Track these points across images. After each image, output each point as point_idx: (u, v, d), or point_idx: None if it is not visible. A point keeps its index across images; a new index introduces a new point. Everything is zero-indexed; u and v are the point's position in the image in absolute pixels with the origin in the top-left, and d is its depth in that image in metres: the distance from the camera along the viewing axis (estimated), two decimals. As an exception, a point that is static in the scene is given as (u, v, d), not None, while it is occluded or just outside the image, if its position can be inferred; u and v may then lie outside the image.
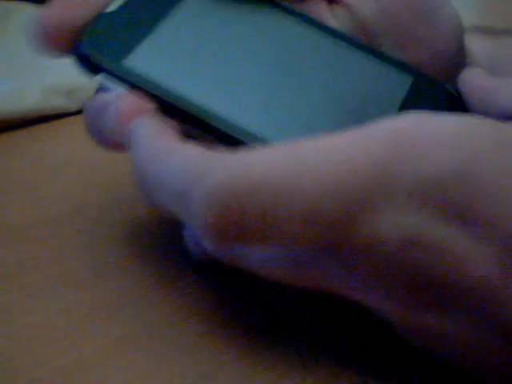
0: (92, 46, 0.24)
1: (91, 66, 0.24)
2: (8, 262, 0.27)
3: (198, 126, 0.24)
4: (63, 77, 0.38)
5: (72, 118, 0.38)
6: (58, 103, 0.37)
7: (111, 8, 0.26)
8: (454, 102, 0.27)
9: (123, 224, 0.30)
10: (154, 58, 0.25)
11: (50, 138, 0.36)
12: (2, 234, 0.29)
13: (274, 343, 0.24)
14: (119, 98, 0.24)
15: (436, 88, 0.27)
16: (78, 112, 0.38)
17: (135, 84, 0.24)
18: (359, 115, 0.25)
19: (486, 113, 0.25)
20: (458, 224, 0.19)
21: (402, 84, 0.27)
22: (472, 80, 0.26)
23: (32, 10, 0.44)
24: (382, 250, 0.19)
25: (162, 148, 0.21)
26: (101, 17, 0.25)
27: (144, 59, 0.25)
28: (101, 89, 0.25)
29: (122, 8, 0.26)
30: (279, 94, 0.25)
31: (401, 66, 0.27)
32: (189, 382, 0.23)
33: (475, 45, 0.32)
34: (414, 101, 0.26)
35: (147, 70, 0.24)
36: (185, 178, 0.20)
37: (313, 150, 0.19)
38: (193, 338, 0.24)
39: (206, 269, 0.27)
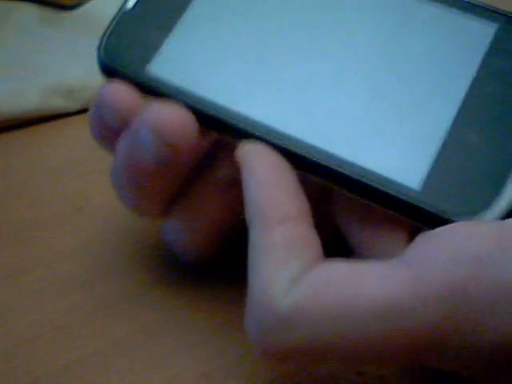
0: (112, 53, 0.23)
1: (116, 75, 0.23)
2: (8, 261, 0.27)
3: (235, 135, 0.22)
4: (63, 77, 0.38)
5: (72, 118, 0.38)
6: (57, 103, 0.37)
7: (128, 4, 0.24)
8: None
9: (123, 224, 0.30)
10: (178, 62, 0.23)
11: (50, 138, 0.36)
12: (1, 233, 0.29)
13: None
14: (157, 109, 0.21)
15: None
16: (78, 112, 0.38)
17: (164, 94, 0.22)
18: (431, 76, 0.21)
19: None
20: None
21: (483, 34, 0.22)
22: None
23: (32, 9, 0.44)
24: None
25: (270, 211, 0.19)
26: (118, 17, 0.23)
27: (168, 65, 0.23)
28: None
29: (138, 4, 0.24)
30: (321, 93, 0.22)
31: (482, 10, 0.22)
32: (188, 382, 0.23)
33: None
34: (499, 53, 0.21)
35: (173, 76, 0.22)
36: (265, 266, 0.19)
37: (368, 293, 0.17)
38: (192, 339, 0.24)
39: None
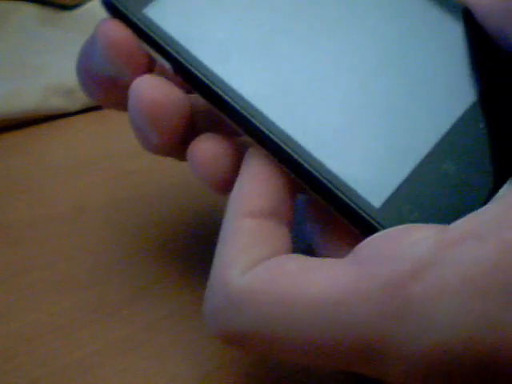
0: None
1: (117, 13, 0.22)
2: (8, 261, 0.27)
3: (218, 106, 0.21)
4: (63, 77, 0.38)
5: (72, 118, 0.38)
6: (57, 103, 0.37)
7: None
8: None
9: (123, 224, 0.30)
10: (174, 11, 0.22)
11: (50, 138, 0.36)
12: (2, 233, 0.29)
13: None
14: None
15: None
16: (78, 112, 0.38)
17: (151, 38, 0.21)
18: (421, 104, 0.21)
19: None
20: None
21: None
22: None
23: (32, 9, 0.44)
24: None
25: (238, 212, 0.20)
26: None
27: (163, 12, 0.22)
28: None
29: None
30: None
31: None
32: (188, 382, 0.23)
33: None
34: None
35: (164, 24, 0.21)
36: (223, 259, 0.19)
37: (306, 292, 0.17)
38: (193, 338, 0.24)
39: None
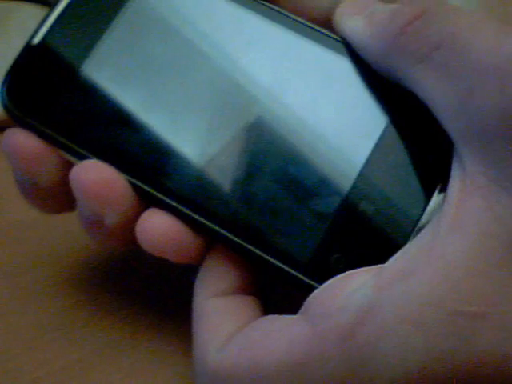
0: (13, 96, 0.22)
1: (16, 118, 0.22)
2: (8, 262, 0.27)
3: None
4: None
5: (72, 119, 0.38)
6: (58, 103, 0.37)
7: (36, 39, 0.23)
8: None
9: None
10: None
11: (50, 138, 0.36)
12: (2, 233, 0.29)
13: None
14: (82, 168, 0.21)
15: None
16: (78, 112, 0.38)
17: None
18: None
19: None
20: None
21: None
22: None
23: (32, 10, 0.44)
24: None
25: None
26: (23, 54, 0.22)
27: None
28: None
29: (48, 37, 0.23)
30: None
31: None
32: (189, 382, 0.23)
33: None
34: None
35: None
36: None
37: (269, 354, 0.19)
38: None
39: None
